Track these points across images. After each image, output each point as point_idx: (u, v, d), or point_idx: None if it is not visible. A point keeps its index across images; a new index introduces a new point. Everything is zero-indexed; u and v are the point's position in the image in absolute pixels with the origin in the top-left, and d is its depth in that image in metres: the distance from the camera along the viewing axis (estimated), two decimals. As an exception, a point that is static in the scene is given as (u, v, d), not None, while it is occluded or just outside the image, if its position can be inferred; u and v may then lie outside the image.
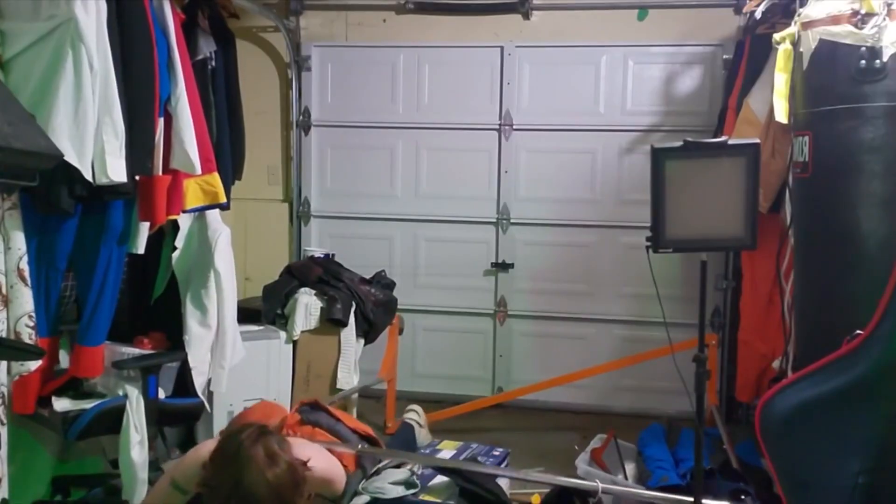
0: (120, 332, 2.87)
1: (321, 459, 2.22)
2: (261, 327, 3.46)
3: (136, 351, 2.80)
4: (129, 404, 2.58)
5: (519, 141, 4.27)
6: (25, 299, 2.26)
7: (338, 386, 3.50)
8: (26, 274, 2.26)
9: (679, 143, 2.24)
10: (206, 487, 1.92)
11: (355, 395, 3.68)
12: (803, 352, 2.61)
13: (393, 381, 4.02)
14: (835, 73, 2.39)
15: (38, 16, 2.23)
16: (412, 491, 2.43)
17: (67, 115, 2.20)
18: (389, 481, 2.47)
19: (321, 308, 3.51)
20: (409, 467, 2.57)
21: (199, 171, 2.63)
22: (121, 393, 2.63)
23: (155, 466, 2.95)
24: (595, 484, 2.52)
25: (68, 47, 2.20)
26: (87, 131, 2.23)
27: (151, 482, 2.67)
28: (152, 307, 2.97)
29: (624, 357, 4.07)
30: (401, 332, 4.10)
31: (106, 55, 2.28)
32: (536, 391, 4.03)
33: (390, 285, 3.99)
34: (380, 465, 2.57)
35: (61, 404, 2.57)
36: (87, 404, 2.62)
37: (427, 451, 2.77)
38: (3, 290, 2.20)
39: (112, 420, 2.58)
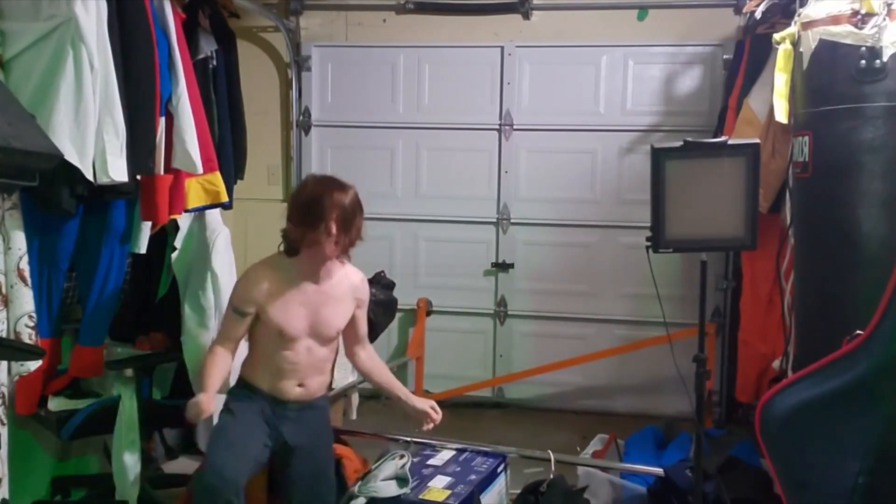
0: (124, 331, 2.88)
1: None
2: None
3: (130, 351, 2.80)
4: (122, 404, 2.57)
5: (519, 141, 4.27)
6: (26, 299, 2.27)
7: (332, 385, 3.49)
8: (26, 274, 2.27)
9: (679, 143, 2.24)
10: (288, 221, 2.22)
11: (356, 396, 3.68)
12: (803, 352, 2.61)
13: (421, 358, 4.22)
14: (835, 73, 2.39)
15: (39, 16, 2.24)
16: (404, 490, 2.43)
17: (68, 115, 2.20)
18: (381, 478, 2.47)
19: None
20: (401, 459, 2.57)
21: (200, 170, 2.63)
22: (116, 393, 2.64)
23: (154, 467, 2.96)
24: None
25: (69, 47, 2.20)
26: (88, 131, 2.23)
27: (148, 481, 2.68)
28: (157, 307, 2.97)
29: (623, 354, 4.11)
30: (429, 313, 4.30)
31: (106, 55, 2.28)
32: (536, 374, 4.16)
33: (390, 285, 3.99)
34: (373, 465, 2.57)
35: (55, 403, 2.58)
36: (81, 404, 2.62)
37: (426, 452, 2.77)
38: (3, 290, 2.20)
39: (105, 420, 2.58)
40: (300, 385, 2.32)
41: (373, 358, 2.58)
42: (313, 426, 2.39)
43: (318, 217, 2.15)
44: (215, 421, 2.40)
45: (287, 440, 2.31)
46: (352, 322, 2.43)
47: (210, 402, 2.19)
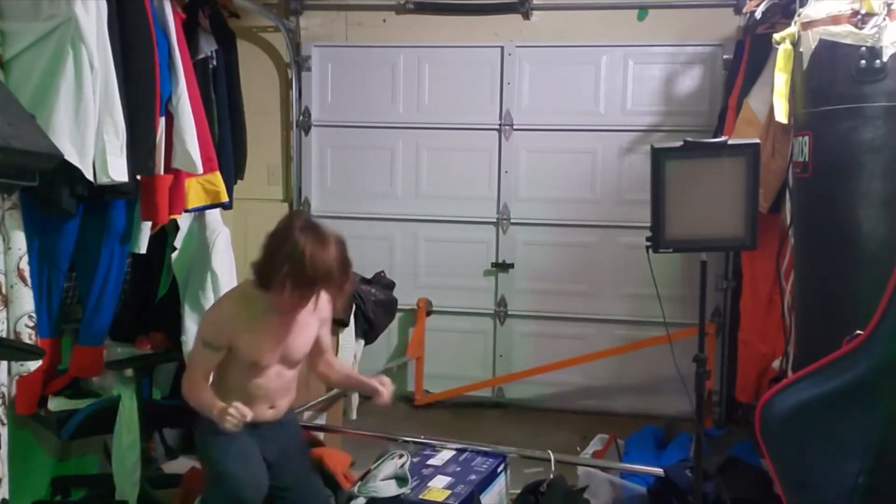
0: (124, 331, 2.88)
1: None
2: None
3: (130, 351, 2.80)
4: (122, 404, 2.58)
5: (519, 141, 4.27)
6: (26, 299, 2.27)
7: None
8: (26, 274, 2.27)
9: (679, 143, 2.24)
10: (268, 269, 2.09)
11: (356, 396, 3.69)
12: (803, 352, 2.61)
13: (421, 358, 4.25)
14: (835, 73, 2.39)
15: (39, 16, 2.24)
16: (404, 489, 2.43)
17: (68, 115, 2.20)
18: (380, 478, 2.47)
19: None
20: (400, 459, 2.57)
21: (200, 170, 2.63)
22: (116, 393, 2.64)
23: (154, 467, 2.96)
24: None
25: (69, 47, 2.20)
26: (88, 131, 2.23)
27: (148, 481, 2.68)
28: (156, 307, 2.97)
29: (623, 354, 4.12)
30: (429, 313, 4.32)
31: (106, 55, 2.28)
32: (536, 374, 4.18)
33: (390, 285, 3.99)
34: (373, 465, 2.57)
35: (55, 403, 2.58)
36: (81, 404, 2.62)
37: (426, 452, 2.77)
38: (3, 290, 2.20)
39: (105, 420, 2.59)
40: (271, 407, 2.34)
41: (330, 362, 2.55)
42: (287, 438, 2.42)
43: (305, 286, 2.09)
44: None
45: (266, 458, 2.33)
46: (315, 339, 2.41)
47: (240, 405, 2.16)
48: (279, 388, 2.34)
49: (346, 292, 2.22)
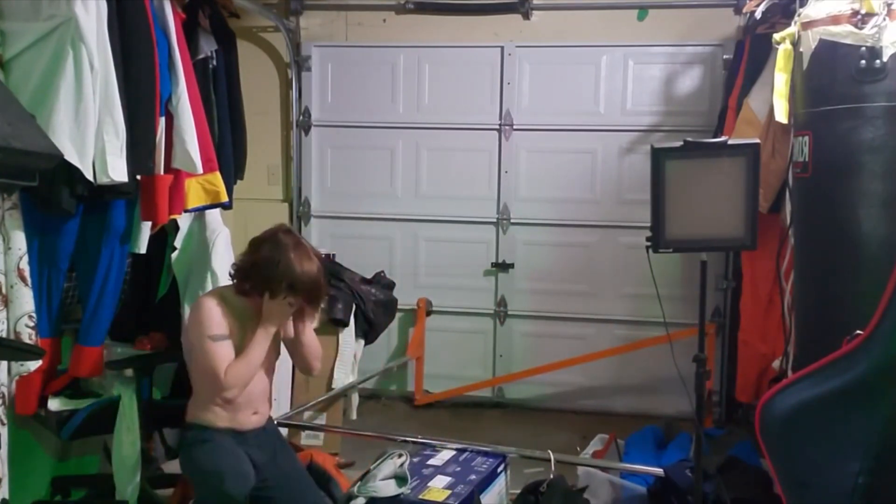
0: (124, 331, 2.88)
1: None
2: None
3: (130, 351, 2.80)
4: (122, 404, 2.58)
5: (519, 141, 4.27)
6: (26, 299, 2.27)
7: (332, 385, 3.50)
8: (26, 274, 2.27)
9: (679, 143, 2.24)
10: (261, 278, 2.25)
11: (356, 395, 3.69)
12: (803, 352, 2.61)
13: (421, 358, 4.25)
14: (835, 73, 2.39)
15: (39, 16, 2.24)
16: (404, 489, 2.43)
17: (68, 115, 2.20)
18: (380, 478, 2.47)
19: (322, 308, 3.51)
20: (399, 458, 2.57)
21: (200, 170, 2.63)
22: (116, 393, 2.64)
23: (154, 467, 2.96)
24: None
25: (69, 47, 2.20)
26: (88, 131, 2.23)
27: (148, 481, 2.68)
28: (156, 307, 2.97)
29: (623, 354, 4.12)
30: (429, 313, 4.31)
31: (106, 55, 2.28)
32: (536, 374, 4.18)
33: (390, 285, 4.00)
34: (373, 465, 2.58)
35: (55, 403, 2.58)
36: (81, 404, 2.62)
37: (426, 452, 2.77)
38: (4, 290, 2.20)
39: (105, 420, 2.59)
40: (255, 413, 2.39)
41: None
42: (273, 443, 2.46)
43: (284, 292, 2.24)
44: None
45: (256, 462, 2.35)
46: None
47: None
48: (260, 392, 2.40)
49: (321, 299, 2.39)
